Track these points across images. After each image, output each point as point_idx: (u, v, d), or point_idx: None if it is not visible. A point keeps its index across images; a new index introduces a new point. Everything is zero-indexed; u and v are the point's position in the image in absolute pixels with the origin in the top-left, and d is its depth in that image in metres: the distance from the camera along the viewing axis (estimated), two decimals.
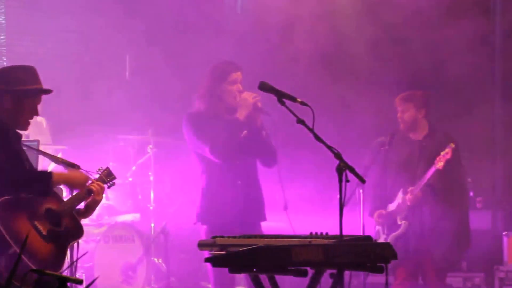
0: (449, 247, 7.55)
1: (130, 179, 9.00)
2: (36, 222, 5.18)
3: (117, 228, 8.68)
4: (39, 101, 5.46)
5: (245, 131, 6.52)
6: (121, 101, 9.65)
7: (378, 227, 7.86)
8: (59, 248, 5.25)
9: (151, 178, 9.04)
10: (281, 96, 5.61)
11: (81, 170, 5.61)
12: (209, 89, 6.66)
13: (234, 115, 6.52)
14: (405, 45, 9.31)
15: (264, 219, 6.75)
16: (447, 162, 7.48)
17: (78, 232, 5.39)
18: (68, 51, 9.73)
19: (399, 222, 7.69)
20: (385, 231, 7.77)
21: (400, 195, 7.70)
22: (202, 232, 6.63)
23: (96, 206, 5.53)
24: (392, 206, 7.75)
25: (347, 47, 9.24)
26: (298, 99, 5.78)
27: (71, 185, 5.43)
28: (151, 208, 9.02)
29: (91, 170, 5.63)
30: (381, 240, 7.66)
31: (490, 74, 9.55)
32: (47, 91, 5.46)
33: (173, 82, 9.49)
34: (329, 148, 5.19)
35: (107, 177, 5.69)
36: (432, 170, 7.50)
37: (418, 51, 9.31)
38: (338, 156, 5.11)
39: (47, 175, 5.35)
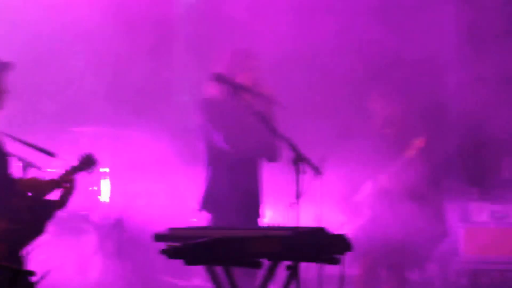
0: (420, 238, 7.43)
1: None
2: None
3: (71, 220, 8.63)
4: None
5: (260, 122, 6.42)
6: (77, 92, 9.56)
7: (343, 218, 7.84)
8: (14, 247, 5.16)
9: (107, 169, 8.99)
10: (236, 88, 5.62)
11: (58, 158, 5.59)
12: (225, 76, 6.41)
13: (249, 104, 6.39)
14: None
15: (259, 215, 6.63)
16: (418, 151, 7.47)
17: (39, 228, 5.31)
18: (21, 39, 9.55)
19: (364, 212, 7.69)
20: (351, 222, 7.76)
21: (368, 185, 7.69)
22: (206, 220, 6.53)
23: (68, 198, 5.49)
24: (359, 197, 7.75)
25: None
26: (255, 90, 5.79)
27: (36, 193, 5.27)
28: (106, 200, 8.98)
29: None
30: (346, 231, 7.65)
31: None
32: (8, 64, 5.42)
33: (132, 73, 9.42)
34: (286, 140, 5.22)
35: (86, 164, 5.65)
36: (402, 159, 7.50)
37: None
38: (294, 148, 5.14)
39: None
